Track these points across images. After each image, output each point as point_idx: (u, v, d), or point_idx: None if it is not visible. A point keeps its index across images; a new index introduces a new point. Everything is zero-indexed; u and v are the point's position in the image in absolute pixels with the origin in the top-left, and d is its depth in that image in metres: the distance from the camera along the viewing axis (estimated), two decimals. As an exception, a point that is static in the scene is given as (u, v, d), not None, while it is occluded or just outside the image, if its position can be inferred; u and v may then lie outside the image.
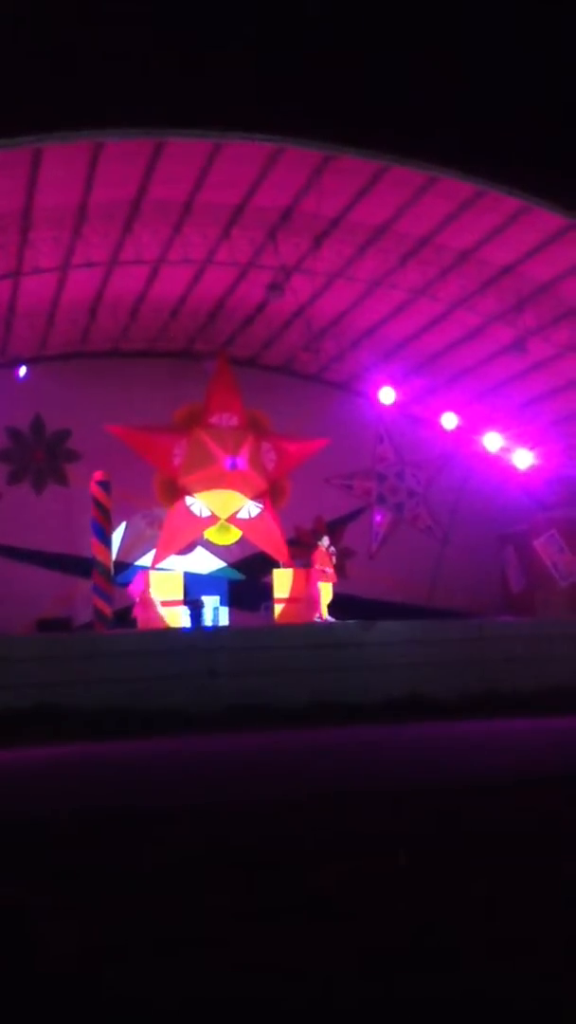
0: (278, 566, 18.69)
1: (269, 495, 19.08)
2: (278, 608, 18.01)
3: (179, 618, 17.42)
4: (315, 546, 17.56)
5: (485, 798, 8.15)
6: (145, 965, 4.52)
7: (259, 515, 18.92)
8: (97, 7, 18.11)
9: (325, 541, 17.36)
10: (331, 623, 16.51)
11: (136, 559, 19.52)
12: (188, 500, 18.59)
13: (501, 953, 4.58)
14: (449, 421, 20.53)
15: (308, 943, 4.74)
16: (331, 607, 17.17)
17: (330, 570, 17.05)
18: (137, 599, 17.53)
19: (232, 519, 18.74)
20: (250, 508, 18.81)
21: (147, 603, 17.23)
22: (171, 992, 4.23)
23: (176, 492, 18.66)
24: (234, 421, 18.75)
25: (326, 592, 17.03)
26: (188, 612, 17.67)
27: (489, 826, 7.13)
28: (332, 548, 17.26)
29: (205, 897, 5.47)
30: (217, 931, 4.94)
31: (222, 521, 18.72)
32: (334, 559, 17.14)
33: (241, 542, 19.41)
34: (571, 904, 5.32)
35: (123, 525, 19.45)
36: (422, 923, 4.98)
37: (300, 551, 19.72)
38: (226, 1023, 3.98)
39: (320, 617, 16.99)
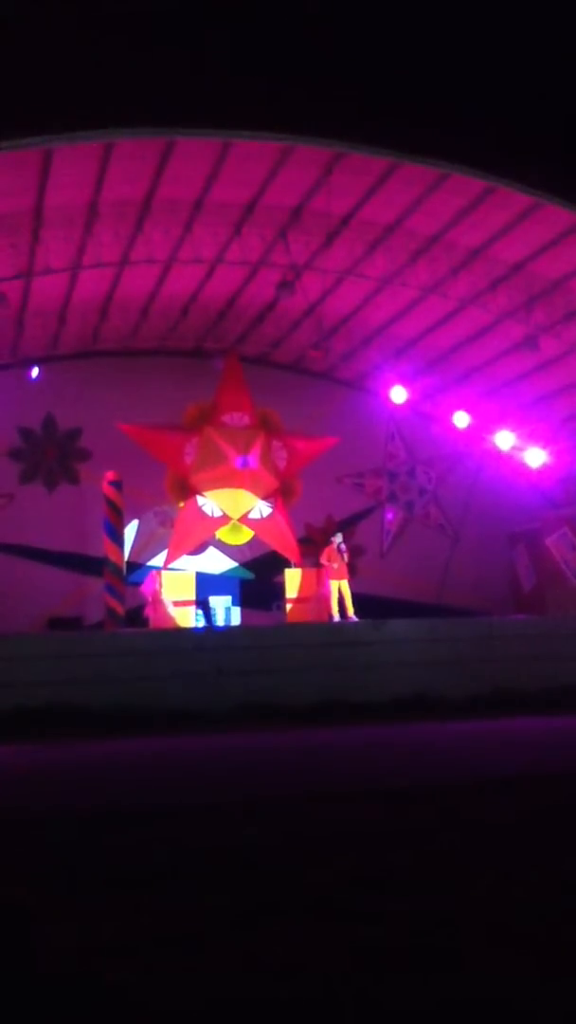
0: (290, 565, 18.70)
1: (280, 494, 19.08)
2: (290, 608, 18.03)
3: (190, 618, 17.45)
4: (328, 543, 17.54)
5: (492, 796, 8.14)
6: (148, 965, 4.53)
7: (270, 514, 18.92)
8: (105, 7, 18.14)
9: (338, 538, 17.34)
10: (353, 622, 16.43)
11: (148, 559, 19.56)
12: (200, 500, 18.61)
13: (504, 953, 4.57)
14: (461, 420, 20.50)
15: (310, 942, 4.75)
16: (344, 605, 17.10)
17: (336, 565, 16.98)
18: (149, 599, 17.56)
19: (243, 519, 18.76)
20: (261, 507, 18.82)
21: (159, 603, 17.27)
22: (172, 992, 4.25)
23: (187, 491, 18.69)
24: (245, 420, 18.77)
25: (345, 590, 16.97)
26: (200, 613, 17.72)
27: (496, 824, 7.12)
28: (343, 545, 17.23)
29: (208, 896, 5.48)
30: (220, 930, 4.95)
31: (234, 521, 18.74)
32: (346, 556, 17.11)
33: (252, 542, 19.42)
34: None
35: (135, 523, 19.49)
36: (425, 921, 4.98)
37: (311, 550, 19.73)
38: (228, 1023, 3.99)
39: (332, 616, 16.95)
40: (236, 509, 18.64)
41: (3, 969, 4.42)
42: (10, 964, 4.50)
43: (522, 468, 21.10)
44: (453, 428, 20.92)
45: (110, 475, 18.12)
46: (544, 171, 15.32)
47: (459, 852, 6.29)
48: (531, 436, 20.56)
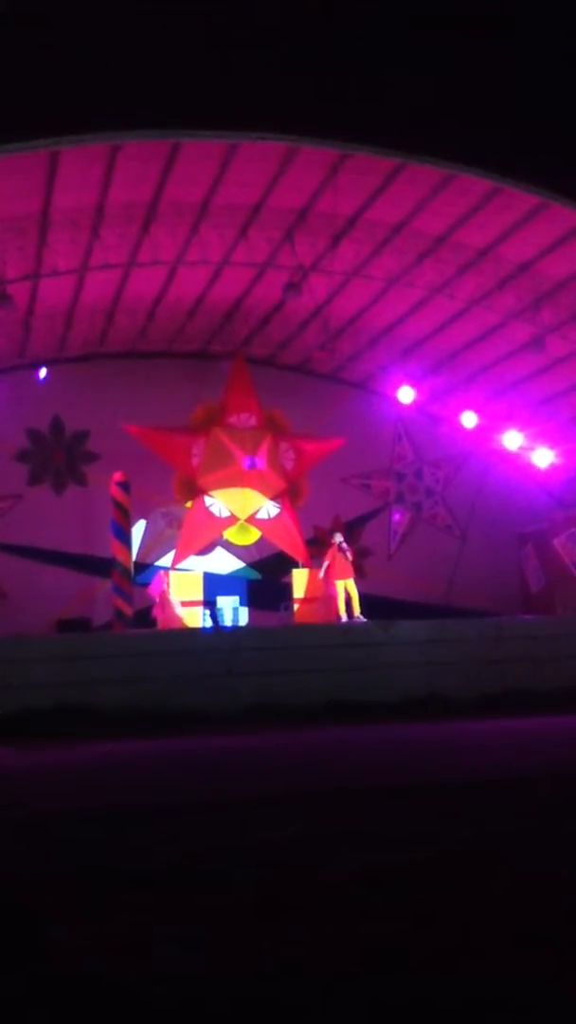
0: (297, 566, 18.71)
1: (287, 495, 19.10)
2: (297, 608, 18.03)
3: (198, 618, 17.47)
4: (329, 544, 17.52)
5: (503, 795, 8.13)
6: (159, 965, 4.53)
7: (278, 515, 18.95)
8: (111, 9, 18.19)
9: (338, 538, 17.33)
10: (362, 623, 16.42)
11: (156, 560, 19.59)
12: (207, 501, 18.64)
13: (518, 952, 4.56)
14: (469, 420, 20.49)
15: (319, 941, 4.75)
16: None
17: (326, 563, 16.96)
18: (157, 599, 17.58)
19: (251, 519, 18.78)
20: (269, 508, 18.84)
21: (167, 603, 17.28)
22: (182, 991, 4.25)
23: (195, 491, 18.72)
24: (252, 421, 18.80)
25: (351, 590, 16.94)
26: (208, 613, 17.74)
27: (507, 823, 7.11)
28: (345, 544, 17.21)
29: (217, 895, 5.49)
30: (227, 930, 4.95)
31: (241, 521, 18.76)
32: (350, 555, 17.10)
33: (260, 542, 19.44)
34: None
35: (142, 523, 19.52)
36: (434, 920, 4.98)
37: (319, 551, 19.73)
38: (242, 1022, 3.99)
39: (339, 617, 16.92)
40: (244, 509, 18.66)
41: (18, 968, 4.44)
42: (24, 963, 4.51)
43: (530, 468, 21.08)
44: (460, 429, 20.91)
45: (117, 476, 18.15)
46: (550, 171, 15.34)
47: (471, 851, 6.29)
48: (539, 436, 20.54)
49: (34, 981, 4.38)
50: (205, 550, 19.40)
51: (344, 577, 16.93)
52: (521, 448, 20.66)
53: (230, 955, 4.61)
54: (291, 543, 19.13)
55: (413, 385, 19.87)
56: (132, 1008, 4.12)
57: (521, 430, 20.48)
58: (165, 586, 17.41)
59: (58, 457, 19.68)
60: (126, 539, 18.27)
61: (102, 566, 18.73)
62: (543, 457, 20.48)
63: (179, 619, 17.10)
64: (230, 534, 19.05)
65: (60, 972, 4.46)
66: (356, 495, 21.34)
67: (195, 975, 4.40)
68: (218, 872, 5.92)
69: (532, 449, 20.60)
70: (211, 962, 4.54)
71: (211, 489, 18.55)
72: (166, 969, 4.47)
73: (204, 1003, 4.12)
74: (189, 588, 17.69)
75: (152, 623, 17.54)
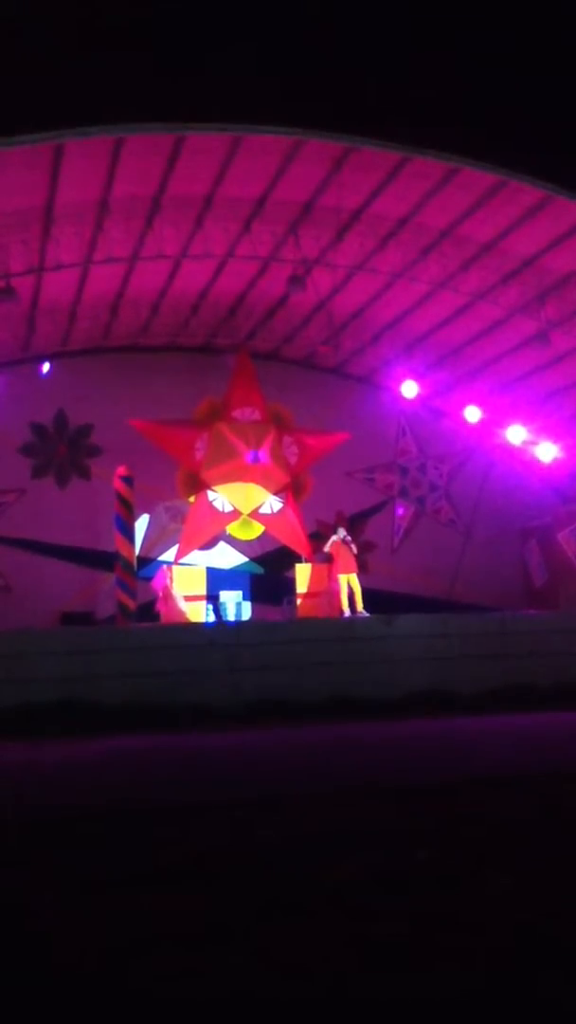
0: (300, 561, 18.72)
1: (291, 489, 19.10)
2: (300, 603, 18.04)
3: (201, 613, 17.48)
4: (332, 539, 17.50)
5: (507, 793, 8.11)
6: (160, 964, 4.54)
7: (281, 510, 18.95)
8: (116, 3, 18.14)
9: (341, 532, 17.35)
10: (364, 618, 16.42)
11: (159, 554, 19.61)
12: (210, 495, 18.65)
13: (513, 953, 4.56)
14: (472, 414, 20.47)
15: (322, 940, 4.75)
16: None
17: (328, 550, 16.99)
18: (160, 594, 17.60)
19: (254, 514, 18.78)
20: (272, 503, 18.84)
21: (170, 598, 17.30)
22: (184, 991, 4.26)
23: (198, 486, 18.72)
24: (256, 415, 18.79)
25: (354, 584, 16.95)
26: (211, 608, 17.76)
27: (511, 822, 7.10)
28: (349, 538, 17.22)
29: (219, 894, 5.49)
30: (230, 929, 4.96)
31: (244, 516, 18.76)
32: (354, 548, 17.11)
33: (263, 537, 19.44)
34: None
35: (145, 518, 19.53)
36: (434, 920, 4.98)
37: (322, 545, 19.73)
38: (242, 1021, 3.99)
39: (342, 612, 16.93)
40: (247, 504, 18.66)
41: (18, 969, 4.44)
42: (25, 964, 4.52)
43: (534, 463, 21.06)
44: (464, 423, 20.90)
45: (121, 470, 18.15)
46: (555, 165, 15.29)
47: (474, 850, 6.28)
48: (543, 431, 20.51)
49: (34, 981, 4.38)
50: (208, 545, 19.41)
51: (347, 571, 16.94)
52: (525, 443, 20.63)
53: (230, 955, 4.61)
54: (294, 538, 19.14)
55: (417, 379, 19.85)
56: (132, 1008, 4.12)
57: (525, 425, 20.45)
58: (168, 580, 17.42)
59: (62, 451, 19.70)
60: (129, 533, 18.29)
61: (105, 560, 18.75)
62: (547, 452, 20.46)
63: (182, 614, 17.11)
64: (233, 529, 19.06)
65: (60, 972, 4.46)
66: (360, 489, 21.34)
67: (195, 975, 4.40)
68: (218, 872, 5.92)
69: (536, 444, 20.58)
70: (211, 962, 4.54)
71: (214, 483, 18.56)
72: (166, 969, 4.47)
73: (204, 1003, 4.13)
74: (192, 583, 17.71)
75: (155, 618, 17.56)
